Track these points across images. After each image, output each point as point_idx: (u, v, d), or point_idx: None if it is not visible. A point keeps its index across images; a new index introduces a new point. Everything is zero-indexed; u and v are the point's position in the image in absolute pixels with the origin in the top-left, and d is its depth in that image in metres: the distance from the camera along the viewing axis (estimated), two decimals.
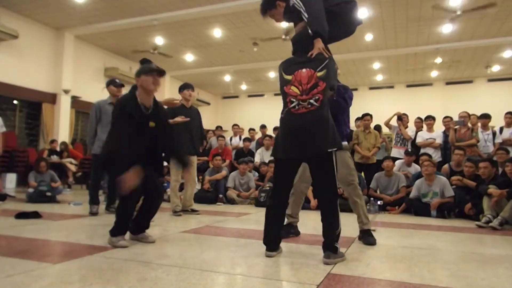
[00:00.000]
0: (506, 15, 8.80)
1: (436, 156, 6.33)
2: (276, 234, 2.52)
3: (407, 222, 4.49)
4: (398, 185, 5.66)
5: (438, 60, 12.05)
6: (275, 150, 2.52)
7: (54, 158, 8.58)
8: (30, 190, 5.89)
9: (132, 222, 2.94)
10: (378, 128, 7.33)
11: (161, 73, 2.83)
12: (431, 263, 2.42)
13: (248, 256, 2.45)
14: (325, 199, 2.40)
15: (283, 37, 9.50)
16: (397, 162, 6.25)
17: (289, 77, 2.43)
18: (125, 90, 4.09)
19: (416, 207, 5.21)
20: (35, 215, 4.04)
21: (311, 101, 2.34)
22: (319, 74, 2.36)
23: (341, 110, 3.04)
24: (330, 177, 2.37)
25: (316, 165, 2.41)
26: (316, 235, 3.32)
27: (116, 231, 2.71)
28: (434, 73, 13.89)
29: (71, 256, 2.33)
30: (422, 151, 6.39)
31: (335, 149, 2.36)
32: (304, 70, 2.39)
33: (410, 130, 6.91)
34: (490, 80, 14.03)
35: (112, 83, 4.62)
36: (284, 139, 2.44)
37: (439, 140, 6.49)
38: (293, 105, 2.39)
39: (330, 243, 2.34)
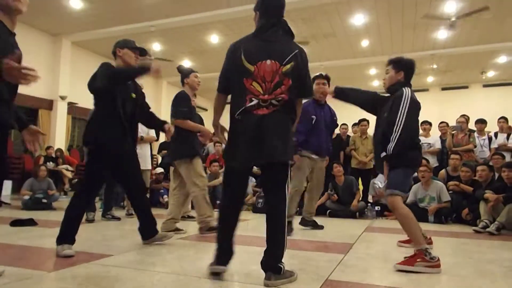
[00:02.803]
0: (500, 21, 8.88)
1: (433, 161, 6.34)
2: (230, 244, 2.21)
3: None
4: None
5: (434, 66, 12.13)
6: (227, 156, 2.16)
7: (50, 164, 8.54)
8: (26, 197, 5.83)
9: (139, 228, 2.91)
10: None
11: (142, 52, 2.93)
12: None
13: (246, 263, 2.44)
14: (274, 210, 2.05)
15: None
16: None
17: (251, 68, 2.05)
18: None
19: (413, 212, 5.18)
20: (31, 222, 4.01)
21: (273, 101, 2.03)
22: (284, 69, 2.03)
23: None
24: (282, 187, 2.08)
25: (270, 174, 2.10)
26: (313, 241, 3.32)
27: (61, 238, 2.53)
28: (430, 79, 13.98)
29: (66, 264, 2.30)
30: None
31: (290, 160, 2.13)
32: (268, 62, 2.03)
33: None
34: (485, 86, 14.14)
35: None
36: (238, 145, 2.06)
37: (437, 145, 6.51)
38: (252, 103, 2.04)
39: (272, 264, 1.97)
